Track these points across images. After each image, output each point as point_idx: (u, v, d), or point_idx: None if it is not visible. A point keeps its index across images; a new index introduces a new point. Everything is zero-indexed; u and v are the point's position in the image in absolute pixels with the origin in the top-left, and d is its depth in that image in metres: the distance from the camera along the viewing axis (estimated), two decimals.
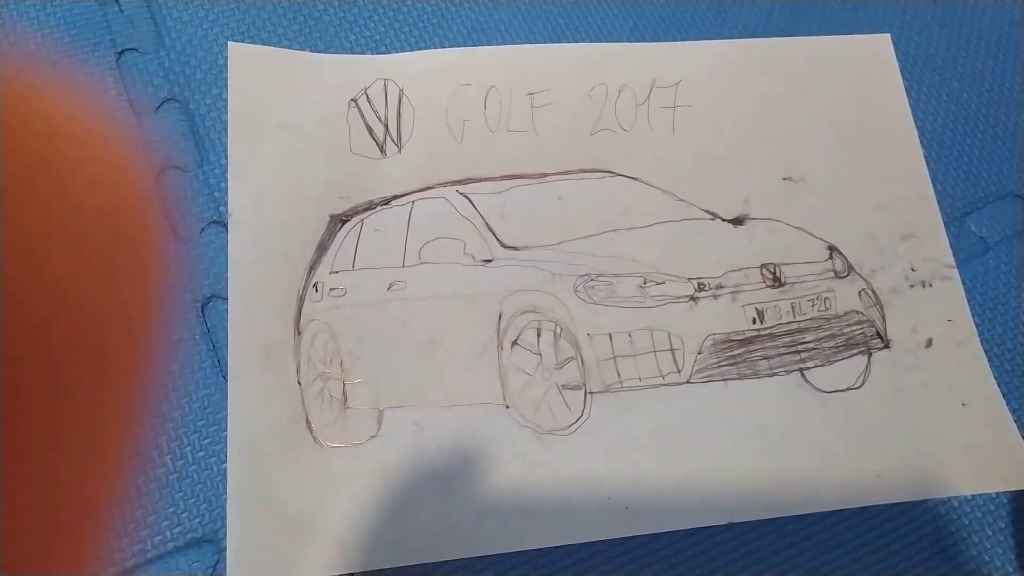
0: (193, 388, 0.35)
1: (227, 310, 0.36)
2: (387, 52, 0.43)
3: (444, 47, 0.43)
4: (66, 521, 0.13)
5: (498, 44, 0.44)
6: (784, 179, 0.42)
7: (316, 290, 0.37)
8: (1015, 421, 0.38)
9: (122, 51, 0.41)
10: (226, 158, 0.39)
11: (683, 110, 0.43)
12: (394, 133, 0.41)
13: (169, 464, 0.34)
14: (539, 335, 0.38)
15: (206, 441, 0.34)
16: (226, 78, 0.41)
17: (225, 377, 0.35)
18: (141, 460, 0.32)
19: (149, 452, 0.33)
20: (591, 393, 0.37)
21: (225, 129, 0.40)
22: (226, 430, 0.34)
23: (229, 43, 0.41)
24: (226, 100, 0.40)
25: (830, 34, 0.47)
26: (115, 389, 0.13)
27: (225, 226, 0.38)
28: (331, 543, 0.33)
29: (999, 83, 0.47)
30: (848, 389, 0.38)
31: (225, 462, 0.34)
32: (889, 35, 0.47)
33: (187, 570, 0.32)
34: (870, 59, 0.46)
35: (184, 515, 0.33)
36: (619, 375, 0.38)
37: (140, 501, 0.33)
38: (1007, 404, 0.39)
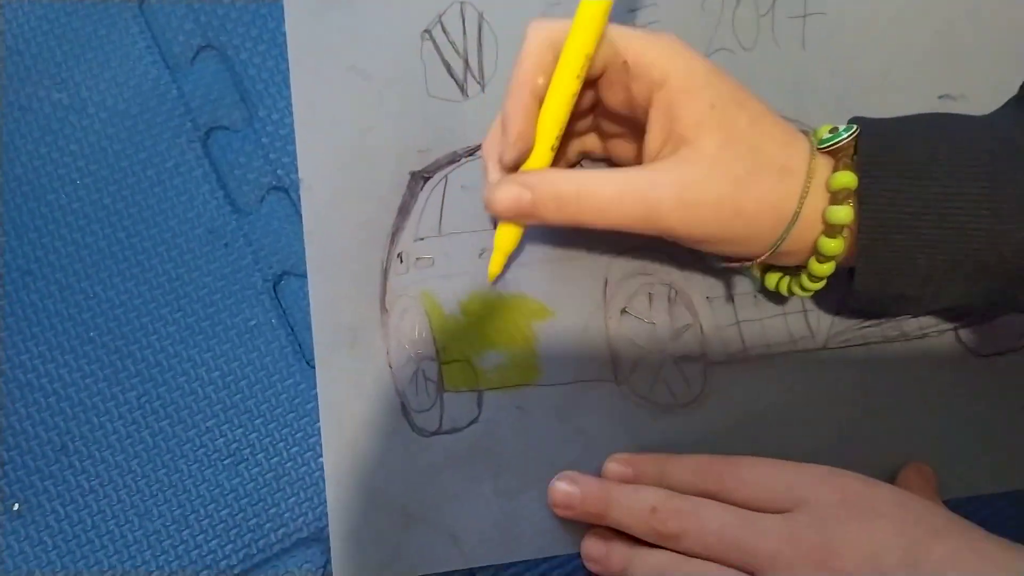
0: (278, 379, 0.33)
1: (303, 289, 0.33)
2: None
3: None
4: None
5: None
6: (940, 97, 0.35)
7: (401, 261, 0.34)
8: None
9: None
10: (277, 113, 0.35)
11: (815, 19, 0.36)
12: (476, 68, 0.35)
13: (264, 463, 0.32)
14: (651, 301, 0.34)
15: (298, 435, 0.32)
16: (264, 15, 0.36)
17: (309, 363, 0.33)
18: (235, 460, 0.30)
19: (241, 452, 0.31)
20: (712, 364, 0.33)
21: (273, 78, 0.35)
22: (318, 421, 0.32)
23: None
24: (271, 43, 0.35)
25: None
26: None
27: (286, 191, 0.34)
28: (440, 535, 0.31)
29: None
30: (1008, 352, 0.33)
31: (322, 456, 0.32)
32: None
33: (296, 572, 0.31)
34: None
35: (287, 515, 0.31)
36: (743, 342, 0.33)
37: (239, 504, 0.31)
38: None
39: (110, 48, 0.36)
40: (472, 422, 0.32)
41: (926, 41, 0.36)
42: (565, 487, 0.30)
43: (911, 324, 0.33)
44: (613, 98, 0.29)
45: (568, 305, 0.33)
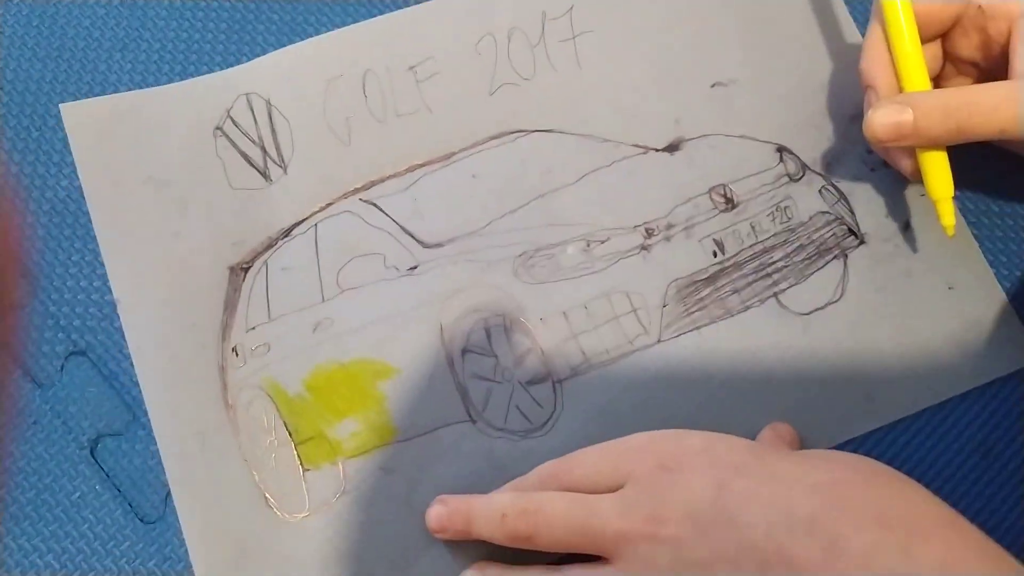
0: (113, 545, 0.32)
1: (121, 447, 0.33)
2: (238, 63, 0.37)
3: (300, 39, 0.38)
4: None
5: (358, 20, 0.38)
6: (713, 86, 0.38)
7: (237, 354, 0.34)
8: (1005, 292, 0.35)
9: None
10: (58, 279, 0.34)
11: (585, 39, 0.38)
12: (274, 154, 0.36)
13: None
14: (489, 335, 0.35)
15: None
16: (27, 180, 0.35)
17: (143, 520, 0.32)
18: None
19: None
20: (559, 382, 0.34)
21: (48, 246, 0.35)
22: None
23: (61, 105, 0.36)
24: (34, 209, 0.35)
25: None
26: None
27: (84, 354, 0.34)
28: None
29: None
30: (828, 305, 0.35)
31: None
32: None
33: None
34: None
35: None
36: (584, 354, 0.34)
37: None
38: (996, 276, 0.36)
39: None
40: (340, 494, 0.32)
41: (690, 37, 0.38)
42: (436, 508, 0.30)
43: (733, 300, 0.35)
44: (966, 44, 0.33)
45: (410, 358, 0.34)
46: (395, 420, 0.33)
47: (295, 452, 0.33)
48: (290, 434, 0.33)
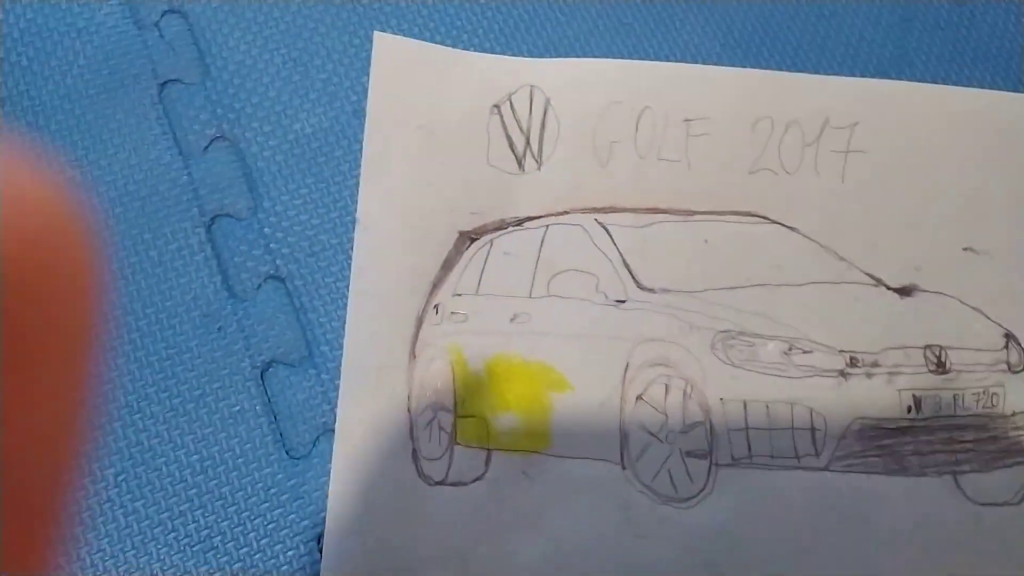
0: (255, 467, 0.33)
1: (289, 378, 0.34)
2: (536, 56, 0.39)
3: (596, 56, 0.40)
4: None
5: (656, 59, 0.40)
6: (965, 249, 0.37)
7: (436, 312, 0.35)
8: None
9: (164, 83, 0.37)
10: (281, 205, 0.36)
11: (856, 156, 0.39)
12: (535, 147, 0.38)
13: (232, 552, 0.32)
14: (667, 392, 0.35)
15: (270, 527, 0.32)
16: (278, 112, 0.37)
17: (289, 454, 0.33)
18: (203, 548, 0.30)
19: (212, 539, 0.31)
20: (717, 465, 0.34)
21: (280, 171, 0.37)
22: (292, 514, 0.32)
23: (375, 32, 0.38)
24: (282, 139, 0.37)
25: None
26: None
27: (283, 281, 0.35)
28: None
29: None
30: (1005, 504, 0.34)
31: (293, 549, 0.32)
32: None
33: None
34: None
35: None
36: (750, 449, 0.34)
37: None
38: None
39: (127, 131, 0.37)
40: (477, 479, 0.33)
41: (961, 194, 0.38)
42: None
43: (912, 461, 0.34)
44: None
45: (587, 382, 0.34)
46: (553, 432, 0.34)
47: (453, 422, 0.34)
48: (456, 404, 0.34)
